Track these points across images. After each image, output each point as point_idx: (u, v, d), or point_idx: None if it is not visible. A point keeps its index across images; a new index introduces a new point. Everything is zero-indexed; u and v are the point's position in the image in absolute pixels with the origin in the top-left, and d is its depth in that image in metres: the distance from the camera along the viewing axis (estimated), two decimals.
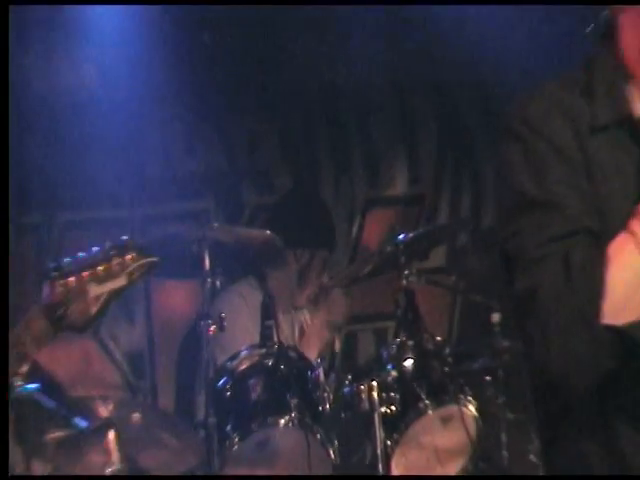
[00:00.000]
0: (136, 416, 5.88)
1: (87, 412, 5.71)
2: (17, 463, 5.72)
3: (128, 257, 3.12)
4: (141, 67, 6.53)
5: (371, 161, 7.21)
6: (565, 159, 2.93)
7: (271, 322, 6.08)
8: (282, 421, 5.84)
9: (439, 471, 5.98)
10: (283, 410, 5.85)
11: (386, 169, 7.21)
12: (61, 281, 3.06)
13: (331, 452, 5.85)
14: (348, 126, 7.18)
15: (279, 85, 7.06)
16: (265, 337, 6.04)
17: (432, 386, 5.90)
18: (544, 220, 2.90)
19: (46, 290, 3.10)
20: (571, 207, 2.88)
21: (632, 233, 2.74)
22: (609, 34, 3.03)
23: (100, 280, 3.07)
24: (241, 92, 6.89)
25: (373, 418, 5.71)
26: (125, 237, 3.19)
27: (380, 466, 5.66)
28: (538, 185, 2.92)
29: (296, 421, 5.86)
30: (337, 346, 6.34)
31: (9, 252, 3.14)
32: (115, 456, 5.63)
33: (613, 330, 2.72)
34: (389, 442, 5.70)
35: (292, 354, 6.07)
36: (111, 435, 5.64)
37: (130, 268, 3.11)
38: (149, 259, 3.16)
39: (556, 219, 2.87)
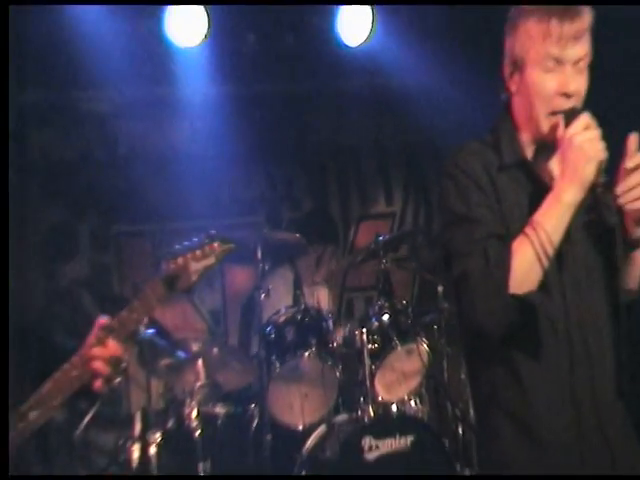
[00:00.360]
0: (215, 350, 5.94)
1: (184, 348, 5.79)
2: (140, 382, 5.77)
3: (215, 244, 3.10)
4: (219, 130, 6.49)
5: (362, 191, 7.21)
6: (481, 190, 2.93)
7: (299, 292, 6.21)
8: (306, 354, 5.83)
9: (404, 385, 5.98)
10: (306, 347, 5.86)
11: (371, 196, 7.24)
12: (173, 260, 3.07)
13: (337, 373, 5.85)
14: (348, 169, 7.20)
15: (304, 145, 7.05)
16: (295, 301, 6.18)
17: (400, 331, 5.89)
18: (469, 229, 2.89)
19: (164, 266, 3.07)
20: (486, 220, 2.88)
21: (526, 235, 2.75)
22: (507, 107, 3.03)
23: (197, 259, 3.08)
24: (282, 149, 6.88)
25: (363, 352, 5.67)
26: (214, 231, 3.16)
27: (367, 381, 5.62)
28: (465, 207, 2.91)
29: (315, 353, 5.84)
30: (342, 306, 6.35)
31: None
32: (202, 375, 5.72)
33: (516, 297, 2.75)
34: (373, 367, 5.69)
35: (312, 312, 6.05)
36: (200, 362, 5.72)
37: (217, 251, 3.09)
38: (229, 245, 3.13)
39: (476, 228, 2.87)
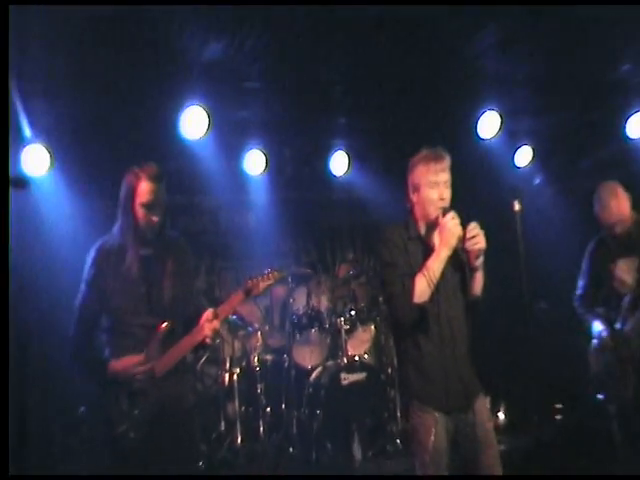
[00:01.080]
0: (267, 327, 6.06)
1: (252, 325, 5.79)
2: (229, 342, 5.74)
3: (275, 272, 3.04)
4: (269, 217, 6.41)
5: (342, 248, 6.94)
6: (399, 250, 2.95)
7: (310, 299, 6.13)
8: (312, 330, 5.91)
9: (362, 347, 5.91)
10: (313, 326, 5.90)
11: (346, 251, 6.99)
12: (250, 280, 3.00)
13: (328, 340, 5.92)
14: (335, 237, 6.98)
15: (313, 225, 6.86)
16: (308, 303, 6.09)
17: (360, 319, 5.90)
18: (392, 271, 2.93)
19: (244, 283, 3.06)
20: (402, 266, 2.93)
21: (422, 274, 2.80)
22: (411, 209, 3.01)
23: (264, 280, 3.00)
24: (301, 227, 6.70)
25: (341, 330, 5.72)
26: (275, 266, 3.15)
27: (343, 345, 5.66)
28: (390, 258, 2.94)
29: (317, 330, 5.91)
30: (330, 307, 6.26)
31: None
32: (260, 340, 5.79)
33: (417, 305, 2.80)
34: (346, 337, 5.71)
35: (316, 309, 6.07)
36: (259, 333, 5.81)
37: (275, 276, 3.03)
38: (282, 273, 3.09)
39: (397, 271, 2.91)
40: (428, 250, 2.94)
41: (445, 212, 2.86)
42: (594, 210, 4.01)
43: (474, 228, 2.85)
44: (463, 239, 2.85)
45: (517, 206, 3.54)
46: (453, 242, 2.83)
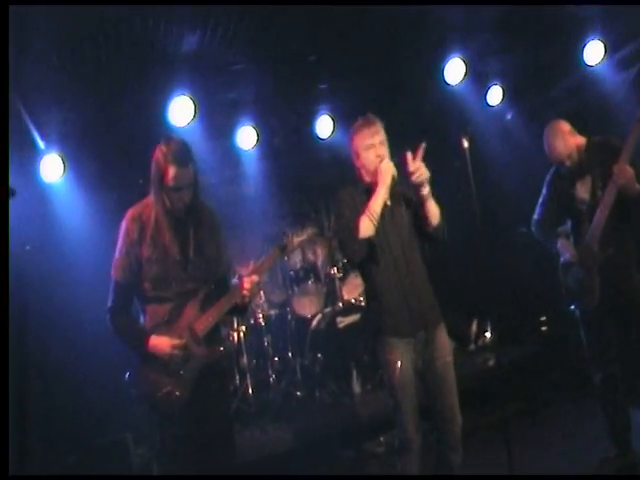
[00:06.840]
0: (268, 285, 6.33)
1: None
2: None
3: (309, 229, 3.24)
4: (263, 185, 6.76)
5: (333, 207, 6.71)
6: (347, 204, 3.21)
7: (305, 253, 6.58)
8: (309, 282, 6.38)
9: (355, 290, 6.16)
10: (309, 278, 6.37)
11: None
12: (285, 238, 3.17)
13: (324, 289, 6.43)
14: (328, 200, 6.97)
15: (301, 187, 7.18)
16: (303, 258, 6.56)
17: (352, 266, 6.21)
18: (341, 221, 3.16)
19: (281, 241, 3.20)
20: (349, 216, 3.14)
21: (365, 213, 3.05)
22: (359, 172, 3.28)
23: (299, 236, 3.22)
24: (289, 192, 7.00)
25: (335, 279, 6.22)
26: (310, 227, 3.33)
27: (338, 291, 6.10)
28: (339, 212, 3.22)
29: (313, 282, 6.38)
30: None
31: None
32: (264, 297, 6.29)
33: (364, 239, 3.05)
34: (340, 284, 6.20)
35: (311, 262, 6.55)
36: (261, 291, 6.12)
37: (309, 232, 3.23)
38: (314, 230, 3.25)
39: (344, 219, 3.16)
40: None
41: (381, 161, 3.06)
42: (545, 150, 3.96)
43: (414, 163, 2.97)
44: (409, 175, 2.98)
45: (465, 143, 3.54)
46: (388, 180, 3.00)
